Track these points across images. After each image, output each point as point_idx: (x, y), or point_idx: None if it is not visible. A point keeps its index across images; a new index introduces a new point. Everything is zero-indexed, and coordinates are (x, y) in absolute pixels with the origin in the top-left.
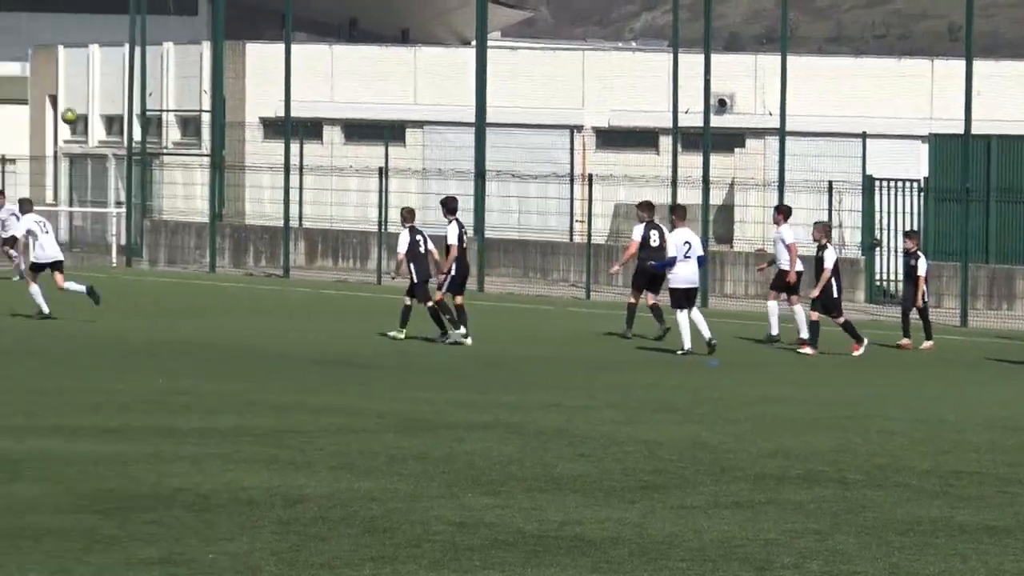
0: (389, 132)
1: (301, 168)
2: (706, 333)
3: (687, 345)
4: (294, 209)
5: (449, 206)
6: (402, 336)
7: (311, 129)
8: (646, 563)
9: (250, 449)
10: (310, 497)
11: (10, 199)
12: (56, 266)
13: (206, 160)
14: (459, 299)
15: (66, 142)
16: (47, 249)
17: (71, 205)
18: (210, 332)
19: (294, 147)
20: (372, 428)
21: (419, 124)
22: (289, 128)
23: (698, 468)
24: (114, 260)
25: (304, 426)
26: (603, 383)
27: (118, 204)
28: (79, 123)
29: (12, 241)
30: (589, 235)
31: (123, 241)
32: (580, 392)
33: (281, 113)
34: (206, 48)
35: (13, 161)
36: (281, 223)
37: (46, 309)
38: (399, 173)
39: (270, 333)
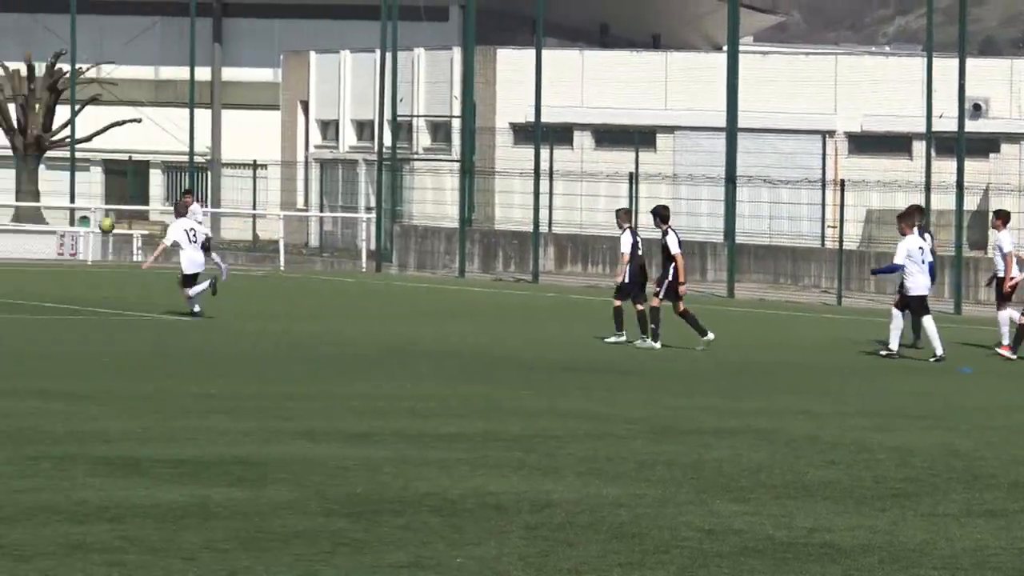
0: (639, 137)
1: (551, 173)
2: (895, 344)
3: (939, 351)
4: (544, 214)
5: (663, 215)
6: (655, 344)
7: (561, 134)
8: (897, 571)
9: (498, 454)
10: (558, 502)
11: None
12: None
13: (456, 165)
14: (682, 304)
15: (317, 147)
16: (194, 260)
17: (321, 210)
18: (458, 337)
19: (544, 152)
20: (621, 434)
21: (670, 129)
22: (539, 133)
23: (950, 476)
24: (363, 265)
25: (552, 431)
26: (854, 389)
27: (368, 209)
28: (330, 127)
29: (206, 246)
30: (841, 241)
31: (373, 246)
32: (830, 398)
33: (531, 118)
34: (457, 54)
35: (264, 167)
36: (531, 228)
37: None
38: (649, 178)
39: (518, 338)
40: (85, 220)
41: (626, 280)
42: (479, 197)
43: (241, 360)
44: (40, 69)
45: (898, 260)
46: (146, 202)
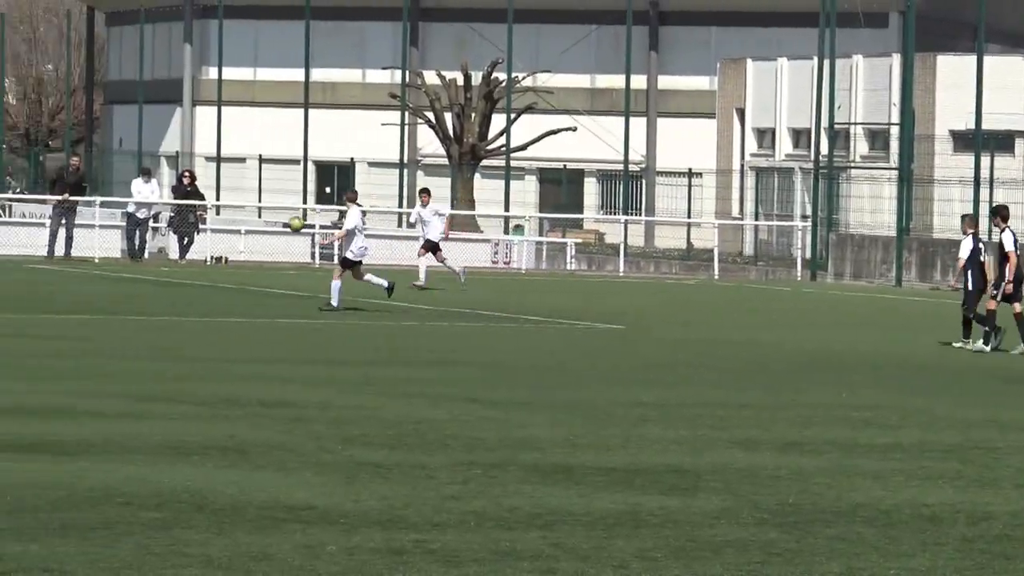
0: None
1: (991, 181)
2: None
3: None
4: (984, 223)
5: (1002, 214)
6: (985, 347)
7: (1003, 141)
8: None
9: (934, 465)
10: (995, 515)
11: (436, 198)
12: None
13: (894, 173)
14: (1017, 307)
15: (752, 156)
16: (362, 247)
17: (756, 219)
18: (894, 346)
19: (984, 160)
20: None
21: None
22: (979, 141)
23: None
24: (798, 274)
25: (991, 442)
26: None
27: (803, 218)
28: (766, 135)
29: (435, 247)
30: None
31: (807, 255)
32: None
33: (971, 125)
34: (895, 60)
35: (699, 175)
36: None
37: (336, 303)
38: None
39: (955, 348)
40: (519, 229)
41: (969, 288)
42: (917, 205)
43: (671, 368)
44: (476, 78)
45: None
46: (580, 211)
